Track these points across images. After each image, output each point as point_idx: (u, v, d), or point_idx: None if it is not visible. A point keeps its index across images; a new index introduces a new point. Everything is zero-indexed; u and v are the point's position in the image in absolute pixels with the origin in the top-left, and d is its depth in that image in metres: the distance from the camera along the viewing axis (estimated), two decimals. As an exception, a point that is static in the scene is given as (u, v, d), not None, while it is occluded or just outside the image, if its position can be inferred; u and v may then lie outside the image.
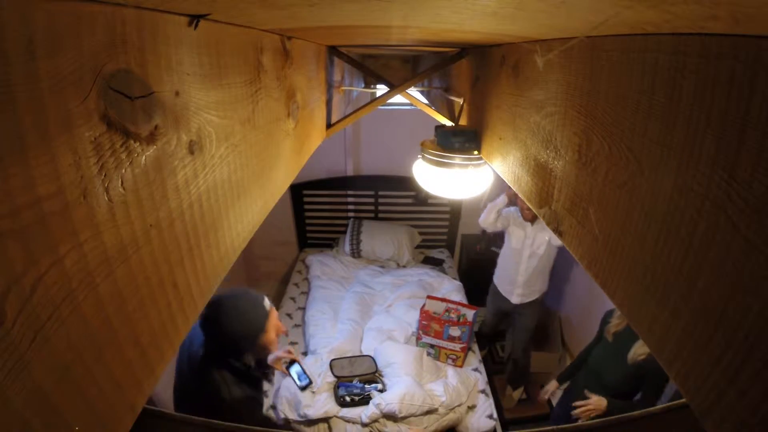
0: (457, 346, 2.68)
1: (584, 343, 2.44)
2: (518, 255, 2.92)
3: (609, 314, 2.19)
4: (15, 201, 0.22)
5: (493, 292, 3.21)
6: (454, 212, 4.23)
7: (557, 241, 2.74)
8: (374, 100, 1.43)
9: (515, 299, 3.02)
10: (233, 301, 1.44)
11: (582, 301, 3.48)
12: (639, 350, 1.93)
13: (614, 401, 1.96)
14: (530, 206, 0.75)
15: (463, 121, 1.38)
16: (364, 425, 2.28)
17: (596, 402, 1.97)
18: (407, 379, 2.43)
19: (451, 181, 1.24)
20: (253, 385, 1.51)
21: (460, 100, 1.37)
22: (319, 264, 3.84)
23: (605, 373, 2.09)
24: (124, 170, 0.31)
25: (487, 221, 3.00)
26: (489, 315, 3.32)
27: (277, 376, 2.63)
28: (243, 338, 1.43)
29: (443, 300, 2.89)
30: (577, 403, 2.03)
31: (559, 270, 3.89)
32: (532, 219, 2.82)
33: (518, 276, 2.95)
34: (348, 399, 2.37)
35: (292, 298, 3.58)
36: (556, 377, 2.46)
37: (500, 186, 2.92)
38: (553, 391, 2.44)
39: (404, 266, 3.93)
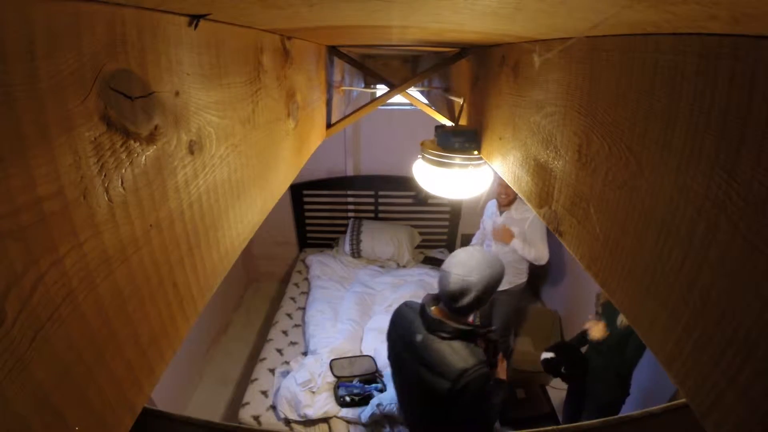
0: (457, 346, 2.67)
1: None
2: (490, 246, 3.04)
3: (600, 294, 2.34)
4: (15, 201, 0.22)
5: None
6: (454, 212, 4.23)
7: (529, 249, 2.81)
8: (374, 100, 1.43)
9: None
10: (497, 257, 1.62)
11: (582, 302, 3.48)
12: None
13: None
14: (530, 206, 0.75)
15: (463, 121, 1.38)
16: (364, 425, 2.28)
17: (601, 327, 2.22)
18: (407, 379, 2.43)
19: (451, 181, 1.24)
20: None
21: (460, 100, 1.37)
22: (319, 264, 3.84)
23: (602, 343, 2.21)
24: (124, 170, 0.31)
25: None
26: None
27: (277, 377, 2.63)
28: (493, 289, 1.54)
29: (443, 300, 2.89)
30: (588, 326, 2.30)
31: (558, 270, 3.90)
32: (508, 205, 2.90)
33: None
34: (348, 399, 2.37)
35: (292, 298, 3.58)
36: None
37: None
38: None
39: (404, 266, 3.93)
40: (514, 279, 3.04)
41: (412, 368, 1.57)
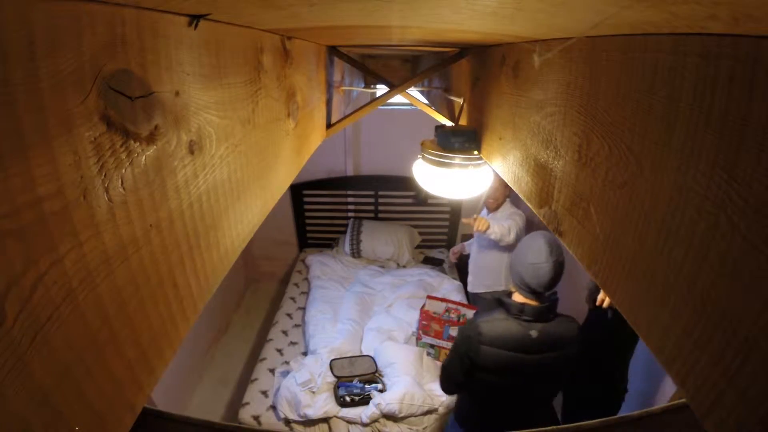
0: (457, 346, 2.67)
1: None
2: (473, 244, 3.06)
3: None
4: (15, 201, 0.22)
5: None
6: (454, 212, 4.23)
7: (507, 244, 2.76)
8: (374, 100, 1.43)
9: (469, 286, 3.12)
10: None
11: (579, 300, 3.48)
12: None
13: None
14: (530, 206, 0.75)
15: (463, 121, 1.38)
16: (364, 425, 2.28)
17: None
18: (407, 379, 2.43)
19: (451, 181, 1.24)
20: None
21: (460, 100, 1.37)
22: (319, 264, 3.84)
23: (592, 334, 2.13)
24: (124, 170, 0.31)
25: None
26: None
27: (277, 377, 2.64)
28: None
29: (443, 300, 2.89)
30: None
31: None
32: (495, 209, 2.90)
33: (470, 263, 3.08)
34: (348, 399, 2.37)
35: (292, 298, 3.58)
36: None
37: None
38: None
39: (404, 266, 3.93)
40: (490, 283, 2.98)
41: (531, 364, 1.64)
